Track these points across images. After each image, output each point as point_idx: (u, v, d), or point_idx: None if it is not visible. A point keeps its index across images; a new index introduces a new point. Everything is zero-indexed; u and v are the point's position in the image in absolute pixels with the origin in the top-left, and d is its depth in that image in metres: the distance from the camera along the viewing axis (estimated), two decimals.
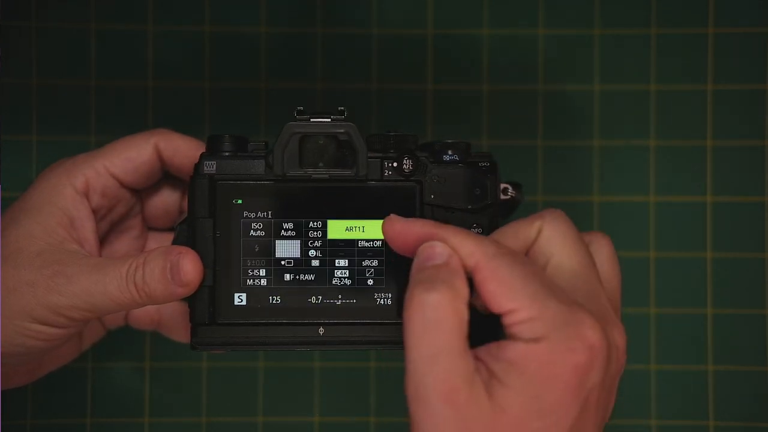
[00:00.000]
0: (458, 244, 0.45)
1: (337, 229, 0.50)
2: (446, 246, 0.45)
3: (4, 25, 0.62)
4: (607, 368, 0.44)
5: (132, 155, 0.53)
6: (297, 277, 0.50)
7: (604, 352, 0.43)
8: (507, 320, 0.43)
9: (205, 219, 0.50)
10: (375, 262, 0.50)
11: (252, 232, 0.50)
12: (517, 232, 0.47)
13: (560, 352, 0.42)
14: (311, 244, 0.50)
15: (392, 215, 0.47)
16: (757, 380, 0.62)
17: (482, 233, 0.51)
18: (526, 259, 0.45)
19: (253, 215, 0.50)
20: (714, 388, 0.62)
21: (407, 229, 0.46)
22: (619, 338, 0.45)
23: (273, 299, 0.50)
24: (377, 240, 0.50)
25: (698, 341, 0.62)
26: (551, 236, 0.46)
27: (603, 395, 0.44)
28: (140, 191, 0.56)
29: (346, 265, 0.50)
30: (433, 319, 0.43)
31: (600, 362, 0.43)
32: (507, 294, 0.43)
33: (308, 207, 0.50)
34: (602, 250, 0.48)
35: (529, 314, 0.43)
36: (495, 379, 0.43)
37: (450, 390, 0.42)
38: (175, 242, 0.52)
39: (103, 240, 0.55)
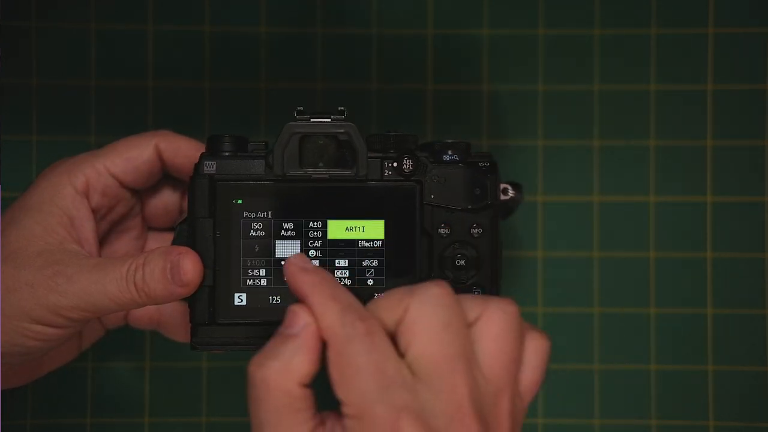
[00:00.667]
0: (320, 314, 0.43)
1: (337, 229, 0.50)
2: (307, 315, 0.43)
3: (4, 25, 0.62)
4: None
5: (132, 155, 0.53)
6: None
7: None
8: (341, 407, 0.42)
9: (205, 219, 0.50)
10: (375, 262, 0.50)
11: (252, 232, 0.50)
12: (391, 308, 0.43)
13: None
14: (311, 244, 0.50)
15: (296, 255, 0.45)
16: (757, 380, 0.62)
17: (482, 233, 0.51)
18: (383, 344, 0.42)
19: (253, 215, 0.50)
20: (714, 388, 0.62)
21: (293, 279, 0.44)
22: None
23: (273, 299, 0.50)
24: (377, 240, 0.50)
25: (698, 341, 0.62)
26: (414, 321, 0.42)
27: None
28: (140, 191, 0.56)
29: (346, 265, 0.50)
30: (256, 396, 0.42)
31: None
32: (341, 384, 0.42)
33: (308, 207, 0.50)
34: (533, 356, 0.44)
35: (353, 412, 0.41)
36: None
37: None
38: (175, 242, 0.52)
39: (103, 240, 0.55)
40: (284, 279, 0.44)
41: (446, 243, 0.51)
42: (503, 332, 0.43)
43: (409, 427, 0.40)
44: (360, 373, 0.41)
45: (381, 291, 0.50)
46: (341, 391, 0.42)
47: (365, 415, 0.41)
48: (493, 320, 0.43)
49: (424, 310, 0.42)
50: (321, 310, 0.43)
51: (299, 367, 0.42)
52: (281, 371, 0.42)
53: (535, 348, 0.44)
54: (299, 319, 0.43)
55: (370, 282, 0.50)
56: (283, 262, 0.47)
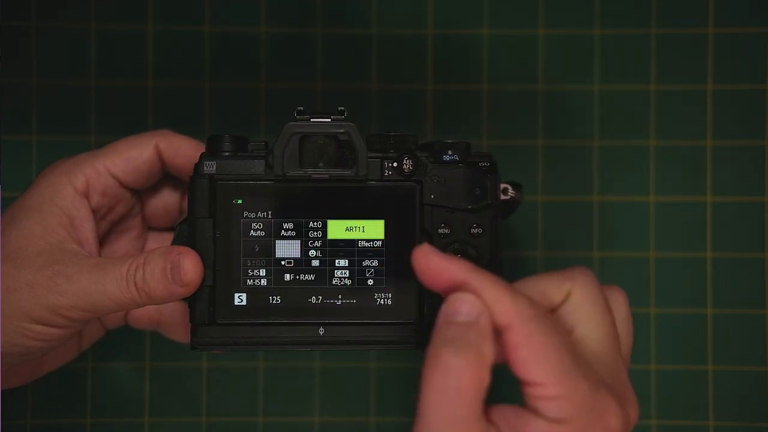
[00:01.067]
0: (493, 299, 0.42)
1: (337, 229, 0.50)
2: (478, 301, 0.42)
3: (4, 25, 0.62)
4: None
5: (133, 155, 0.53)
6: (297, 277, 0.50)
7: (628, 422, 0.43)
8: (532, 392, 0.41)
9: (205, 219, 0.50)
10: (375, 262, 0.50)
11: (252, 232, 0.50)
12: (544, 292, 0.43)
13: (592, 427, 0.41)
14: (311, 244, 0.50)
15: (426, 245, 0.43)
16: (757, 380, 0.62)
17: (482, 234, 0.51)
18: (560, 326, 0.43)
19: (253, 215, 0.50)
20: (714, 388, 0.62)
21: (442, 269, 0.42)
22: (634, 415, 0.43)
23: (273, 299, 0.50)
24: (377, 240, 0.50)
25: (698, 341, 0.62)
26: (580, 304, 0.43)
27: None
28: (140, 191, 0.56)
29: (346, 265, 0.50)
30: (455, 387, 0.41)
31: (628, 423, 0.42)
32: (538, 366, 0.41)
33: (308, 207, 0.50)
34: (620, 309, 0.45)
35: (557, 392, 0.41)
36: None
37: None
38: (175, 242, 0.52)
39: (103, 240, 0.55)
40: (420, 269, 0.42)
41: (446, 243, 0.51)
42: (601, 304, 0.44)
43: (613, 404, 0.41)
44: (558, 351, 0.41)
45: (381, 291, 0.50)
46: (538, 371, 0.41)
47: (573, 391, 0.41)
48: (621, 302, 0.46)
49: (590, 295, 0.43)
50: (493, 294, 0.42)
51: (489, 355, 0.41)
52: (480, 359, 0.41)
53: (618, 302, 0.46)
54: (471, 306, 0.42)
55: (370, 282, 0.50)
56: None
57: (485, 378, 0.41)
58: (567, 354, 0.41)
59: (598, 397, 0.41)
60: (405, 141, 0.51)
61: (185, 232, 0.51)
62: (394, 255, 0.50)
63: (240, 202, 0.50)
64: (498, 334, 0.42)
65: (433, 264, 0.43)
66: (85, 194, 0.52)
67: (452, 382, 0.41)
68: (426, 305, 0.50)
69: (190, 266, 0.49)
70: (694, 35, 0.63)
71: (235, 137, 0.51)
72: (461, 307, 0.42)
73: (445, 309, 0.42)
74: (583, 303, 0.43)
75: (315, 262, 0.50)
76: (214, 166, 0.50)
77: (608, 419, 0.41)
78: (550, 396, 0.41)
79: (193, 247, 0.50)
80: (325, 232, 0.50)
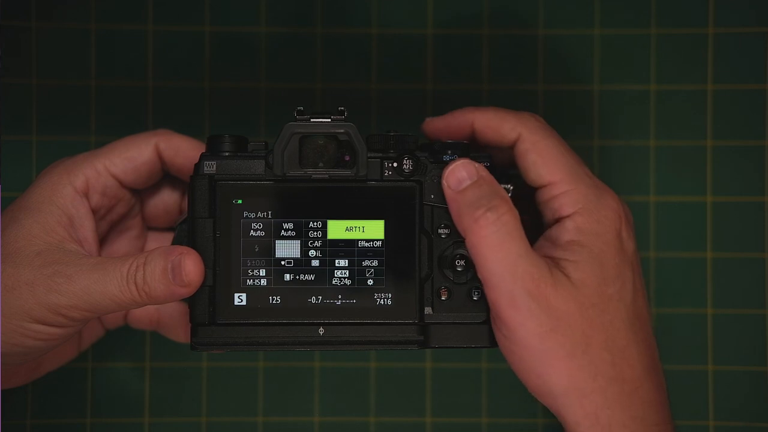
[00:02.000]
0: (499, 119, 0.50)
1: (337, 229, 0.50)
2: (468, 164, 0.49)
3: (4, 25, 0.62)
4: (632, 230, 0.50)
5: (132, 155, 0.53)
6: (297, 277, 0.50)
7: (628, 216, 0.50)
8: (545, 194, 0.50)
9: (205, 219, 0.50)
10: (375, 262, 0.50)
11: (252, 232, 0.50)
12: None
13: (601, 221, 0.49)
14: (311, 244, 0.50)
15: (428, 119, 0.53)
16: (757, 380, 0.62)
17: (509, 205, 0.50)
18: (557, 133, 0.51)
19: (253, 215, 0.50)
20: (714, 388, 0.62)
21: (449, 123, 0.52)
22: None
23: (273, 299, 0.50)
24: (377, 240, 0.50)
25: (698, 341, 0.62)
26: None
27: (638, 258, 0.50)
28: (140, 191, 0.56)
29: (346, 265, 0.50)
30: (505, 231, 0.47)
31: (628, 225, 0.50)
32: (546, 167, 0.49)
33: (308, 207, 0.50)
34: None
35: (567, 187, 0.49)
36: (563, 261, 0.48)
37: (538, 286, 0.47)
38: (175, 242, 0.52)
39: (102, 240, 0.55)
40: (431, 132, 0.53)
41: (446, 243, 0.51)
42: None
43: (607, 190, 0.50)
44: (562, 153, 0.50)
45: (381, 291, 0.50)
46: (548, 171, 0.49)
47: (579, 184, 0.49)
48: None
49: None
50: (498, 116, 0.51)
51: (505, 192, 0.49)
52: (507, 201, 0.49)
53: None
54: (469, 168, 0.49)
55: (370, 282, 0.50)
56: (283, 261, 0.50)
57: (517, 213, 0.48)
58: (568, 154, 0.50)
59: (595, 186, 0.49)
60: (405, 141, 0.51)
61: (185, 232, 0.51)
62: (394, 255, 0.50)
63: (240, 202, 0.50)
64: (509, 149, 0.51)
65: (439, 124, 0.52)
66: (84, 194, 0.52)
67: (501, 227, 0.47)
68: (426, 305, 0.50)
69: (191, 266, 0.49)
70: (694, 35, 0.63)
71: (235, 137, 0.51)
72: (461, 173, 0.49)
73: (447, 187, 0.49)
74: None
75: (315, 262, 0.50)
76: (214, 166, 0.50)
77: (609, 201, 0.49)
78: (562, 191, 0.49)
79: (193, 247, 0.50)
80: (324, 232, 0.50)
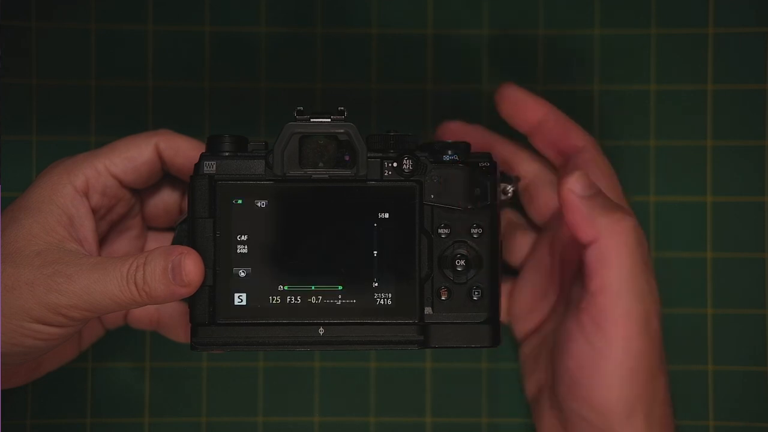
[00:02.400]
0: (573, 127, 0.56)
1: (337, 229, 0.50)
2: (585, 175, 0.51)
3: (4, 25, 0.62)
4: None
5: (133, 155, 0.53)
6: (297, 277, 0.50)
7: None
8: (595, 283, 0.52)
9: (205, 219, 0.50)
10: (375, 262, 0.50)
11: (252, 232, 0.50)
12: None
13: (636, 238, 0.51)
14: (311, 244, 0.50)
15: (510, 85, 0.57)
16: (757, 380, 0.62)
17: (482, 234, 0.51)
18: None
19: (253, 215, 0.50)
20: (714, 388, 0.62)
21: (528, 101, 0.57)
22: None
23: (273, 299, 0.50)
24: (377, 240, 0.50)
25: (698, 341, 0.62)
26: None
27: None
28: (140, 191, 0.56)
29: (347, 265, 0.50)
30: (639, 239, 0.51)
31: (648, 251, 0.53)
32: (602, 182, 0.53)
33: (308, 207, 0.50)
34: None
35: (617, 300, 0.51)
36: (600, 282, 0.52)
37: (647, 303, 0.51)
38: (175, 242, 0.52)
39: (102, 240, 0.55)
40: (505, 103, 0.57)
41: (446, 243, 0.51)
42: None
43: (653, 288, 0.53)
44: (611, 173, 0.55)
45: (381, 291, 0.50)
46: (604, 189, 0.52)
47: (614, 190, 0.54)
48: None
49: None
50: (571, 124, 0.56)
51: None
52: (625, 210, 0.53)
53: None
54: (586, 181, 0.51)
55: (370, 282, 0.50)
56: None
57: None
58: (616, 181, 0.55)
59: (633, 217, 0.52)
60: (405, 141, 0.51)
61: (185, 232, 0.51)
62: (394, 255, 0.50)
63: (240, 202, 0.50)
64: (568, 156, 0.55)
65: (519, 95, 0.57)
66: (84, 194, 0.52)
67: (638, 235, 0.51)
68: (426, 305, 0.50)
69: (191, 266, 0.49)
70: (694, 35, 0.63)
71: (235, 137, 0.51)
72: (587, 182, 0.51)
73: (577, 187, 0.51)
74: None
75: (315, 262, 0.50)
76: (214, 166, 0.50)
77: (639, 234, 0.51)
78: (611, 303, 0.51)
79: (193, 247, 0.50)
80: (325, 233, 0.50)
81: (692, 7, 0.62)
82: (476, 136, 0.57)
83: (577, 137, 0.55)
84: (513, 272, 0.60)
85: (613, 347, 0.51)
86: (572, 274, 0.56)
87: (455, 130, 0.58)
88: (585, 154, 0.55)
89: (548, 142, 0.56)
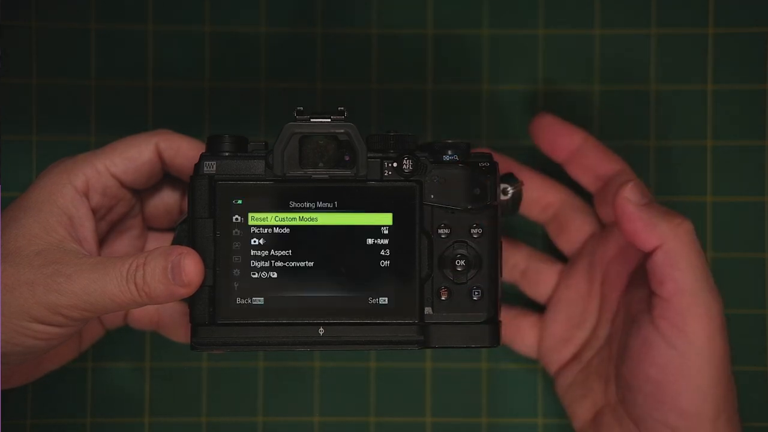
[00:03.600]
0: (605, 156, 0.57)
1: (338, 229, 0.50)
2: (636, 185, 0.53)
3: (4, 25, 0.62)
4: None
5: (133, 155, 0.53)
6: (297, 277, 0.50)
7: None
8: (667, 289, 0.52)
9: (205, 219, 0.50)
10: (375, 262, 0.50)
11: (252, 232, 0.50)
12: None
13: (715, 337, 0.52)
14: (311, 244, 0.50)
15: (545, 115, 0.59)
16: (757, 380, 0.62)
17: (482, 234, 0.51)
18: None
19: (253, 215, 0.50)
20: None
21: (565, 132, 0.58)
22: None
23: (273, 299, 0.50)
24: (377, 240, 0.50)
25: None
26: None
27: None
28: (140, 191, 0.56)
29: (347, 265, 0.50)
30: (698, 242, 0.52)
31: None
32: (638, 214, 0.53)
33: (308, 207, 0.50)
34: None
35: (694, 297, 0.52)
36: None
37: (720, 302, 0.52)
38: (175, 242, 0.52)
39: (102, 240, 0.55)
40: (543, 134, 0.59)
41: (446, 243, 0.51)
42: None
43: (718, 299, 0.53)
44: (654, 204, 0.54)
45: (381, 291, 0.50)
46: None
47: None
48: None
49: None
50: (605, 154, 0.58)
51: None
52: (680, 215, 0.53)
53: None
54: (640, 189, 0.53)
55: (370, 282, 0.50)
56: None
57: None
58: (652, 197, 0.54)
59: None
60: (405, 141, 0.51)
61: (185, 232, 0.51)
62: (394, 255, 0.50)
63: (240, 202, 0.50)
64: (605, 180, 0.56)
65: (555, 122, 0.58)
66: (84, 194, 0.52)
67: (697, 239, 0.52)
68: (426, 305, 0.50)
69: (191, 266, 0.49)
70: (694, 35, 0.63)
71: (235, 137, 0.51)
72: (643, 190, 0.53)
73: (633, 196, 0.52)
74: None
75: (315, 263, 0.50)
76: (214, 166, 0.50)
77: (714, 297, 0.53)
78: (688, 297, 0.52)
79: (193, 247, 0.50)
80: (325, 233, 0.50)
81: (692, 7, 0.62)
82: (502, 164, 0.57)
83: (615, 161, 0.57)
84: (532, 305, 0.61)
85: (697, 348, 0.51)
86: (623, 290, 0.56)
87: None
88: (624, 175, 0.56)
89: (586, 168, 0.57)
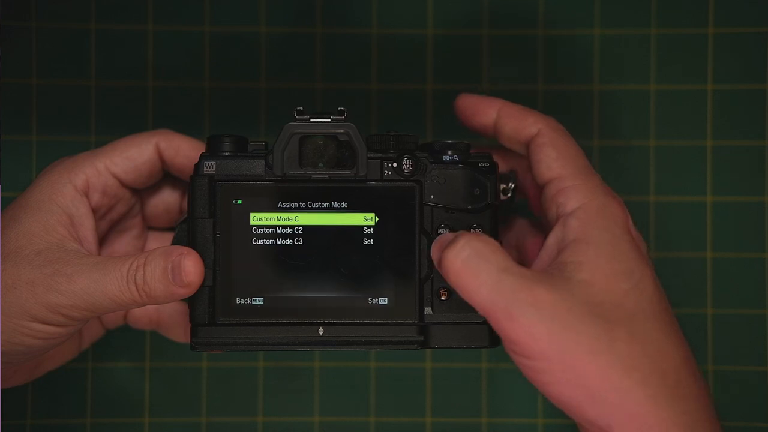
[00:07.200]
0: (524, 115, 0.52)
1: (338, 229, 0.50)
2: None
3: (4, 25, 0.62)
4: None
5: (133, 155, 0.53)
6: (297, 277, 0.50)
7: (629, 215, 0.50)
8: (553, 188, 0.49)
9: (205, 219, 0.50)
10: (375, 263, 0.50)
11: (252, 232, 0.50)
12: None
13: (608, 216, 0.48)
14: (311, 244, 0.50)
15: (463, 94, 0.54)
16: (757, 380, 0.62)
17: (482, 234, 0.51)
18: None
19: (253, 215, 0.50)
20: (714, 387, 0.62)
21: (478, 103, 0.53)
22: None
23: (273, 299, 0.50)
24: (377, 240, 0.50)
25: (698, 341, 0.62)
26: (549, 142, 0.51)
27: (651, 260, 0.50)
28: (140, 191, 0.56)
29: (347, 265, 0.50)
30: (476, 255, 0.46)
31: (635, 227, 0.50)
32: (559, 162, 0.50)
33: (308, 207, 0.50)
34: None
35: (575, 181, 0.49)
36: (568, 265, 0.47)
37: (531, 293, 0.45)
38: (175, 242, 0.52)
39: (102, 239, 0.55)
40: (462, 107, 0.54)
41: None
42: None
43: (612, 192, 0.50)
44: (576, 152, 0.51)
45: (381, 291, 0.50)
46: (559, 166, 0.50)
47: (588, 182, 0.49)
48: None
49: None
50: (523, 113, 0.52)
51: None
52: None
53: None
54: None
55: (370, 282, 0.50)
56: None
57: (488, 237, 0.48)
58: (582, 156, 0.51)
59: (603, 185, 0.49)
60: (405, 141, 0.51)
61: (185, 232, 0.51)
62: (394, 255, 0.50)
63: (240, 202, 0.50)
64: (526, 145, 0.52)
65: (471, 100, 0.54)
66: (85, 193, 0.52)
67: (473, 254, 0.46)
68: (426, 305, 0.50)
69: (191, 267, 0.49)
70: (694, 35, 0.63)
71: (235, 137, 0.51)
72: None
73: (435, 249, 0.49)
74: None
75: (315, 263, 0.50)
76: (214, 166, 0.50)
77: (616, 200, 0.49)
78: (570, 185, 0.49)
79: (193, 247, 0.50)
80: (325, 233, 0.50)
81: (692, 7, 0.62)
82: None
83: (532, 124, 0.51)
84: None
85: (529, 352, 0.47)
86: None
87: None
88: (538, 139, 0.51)
89: (508, 137, 0.53)
